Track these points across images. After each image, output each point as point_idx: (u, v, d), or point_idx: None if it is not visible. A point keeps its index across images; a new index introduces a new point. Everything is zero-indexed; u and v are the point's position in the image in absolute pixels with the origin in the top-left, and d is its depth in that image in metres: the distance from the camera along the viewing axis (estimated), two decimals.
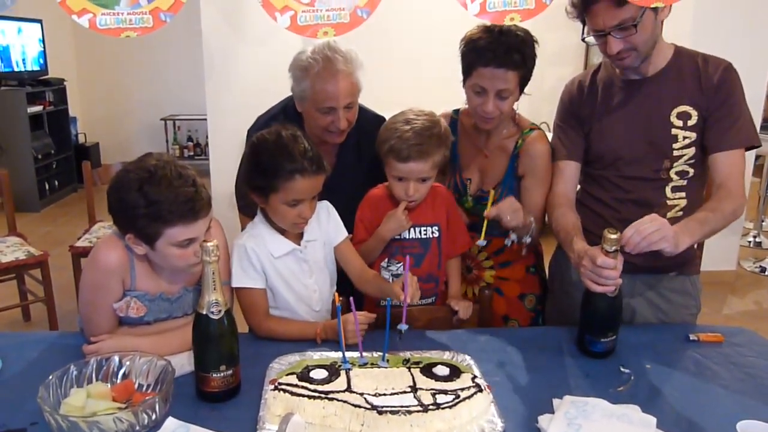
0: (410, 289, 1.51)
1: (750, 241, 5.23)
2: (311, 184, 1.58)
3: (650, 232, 1.42)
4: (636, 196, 1.72)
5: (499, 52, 1.69)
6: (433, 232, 1.85)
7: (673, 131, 1.67)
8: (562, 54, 6.56)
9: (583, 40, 1.67)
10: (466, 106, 1.88)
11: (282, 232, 1.68)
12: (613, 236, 1.43)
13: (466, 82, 1.80)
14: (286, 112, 1.99)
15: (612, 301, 1.52)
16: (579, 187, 1.88)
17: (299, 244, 1.70)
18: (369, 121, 1.99)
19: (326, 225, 1.76)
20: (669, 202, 1.71)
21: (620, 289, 1.51)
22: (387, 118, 2.02)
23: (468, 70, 1.78)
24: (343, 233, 1.79)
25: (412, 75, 5.86)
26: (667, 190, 1.71)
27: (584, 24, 1.64)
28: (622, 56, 1.62)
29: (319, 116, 1.86)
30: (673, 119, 1.66)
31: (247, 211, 1.97)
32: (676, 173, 1.70)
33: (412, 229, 1.83)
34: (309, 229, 1.71)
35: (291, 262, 1.69)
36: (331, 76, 1.80)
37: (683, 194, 1.71)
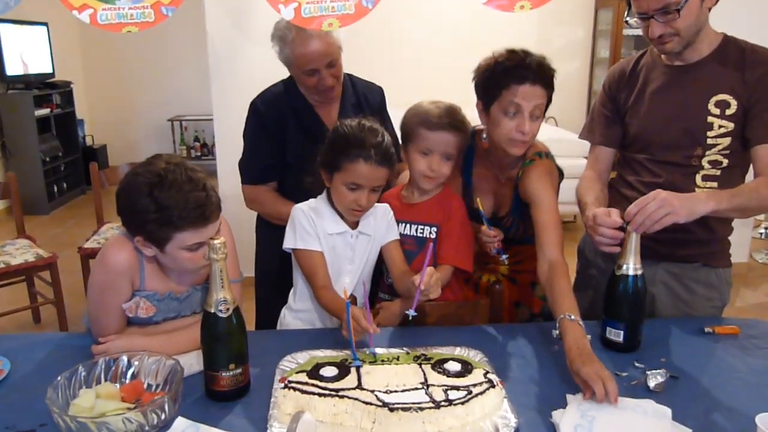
0: (426, 277, 1.49)
1: (762, 233, 5.18)
2: (373, 173, 1.63)
3: (653, 210, 1.42)
4: (664, 181, 1.71)
5: (533, 69, 1.65)
6: (430, 233, 1.84)
7: (709, 119, 1.65)
8: (568, 49, 6.52)
9: (626, 21, 1.69)
10: (481, 126, 1.84)
11: (341, 215, 1.73)
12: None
13: (492, 107, 1.71)
14: (285, 81, 2.12)
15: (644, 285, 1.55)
16: (616, 173, 1.89)
17: (353, 230, 1.74)
18: (367, 86, 2.20)
19: (380, 224, 1.79)
20: (698, 191, 1.68)
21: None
22: (390, 109, 2.11)
23: (496, 92, 1.68)
24: (394, 234, 1.82)
25: (418, 67, 5.85)
26: (698, 178, 1.69)
27: (629, 6, 1.64)
28: (664, 41, 1.61)
29: (305, 78, 1.98)
30: (711, 107, 1.64)
31: (251, 180, 2.13)
32: (709, 162, 1.67)
33: (409, 226, 1.84)
34: (365, 222, 1.76)
35: (339, 243, 1.74)
36: (305, 41, 1.90)
37: (715, 184, 1.68)
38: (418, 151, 1.78)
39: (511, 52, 1.69)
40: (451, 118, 1.75)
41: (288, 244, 1.72)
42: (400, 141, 1.86)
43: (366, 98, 2.15)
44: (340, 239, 1.74)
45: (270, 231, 2.04)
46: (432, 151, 1.75)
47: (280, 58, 2.01)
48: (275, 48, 2.00)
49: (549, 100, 1.71)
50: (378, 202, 1.76)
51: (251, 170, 2.13)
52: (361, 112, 1.98)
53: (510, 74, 1.66)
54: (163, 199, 1.34)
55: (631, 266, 1.51)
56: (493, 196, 1.91)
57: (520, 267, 1.97)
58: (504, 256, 1.83)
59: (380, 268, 1.88)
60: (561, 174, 1.84)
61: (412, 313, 1.50)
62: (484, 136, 1.80)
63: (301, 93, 2.07)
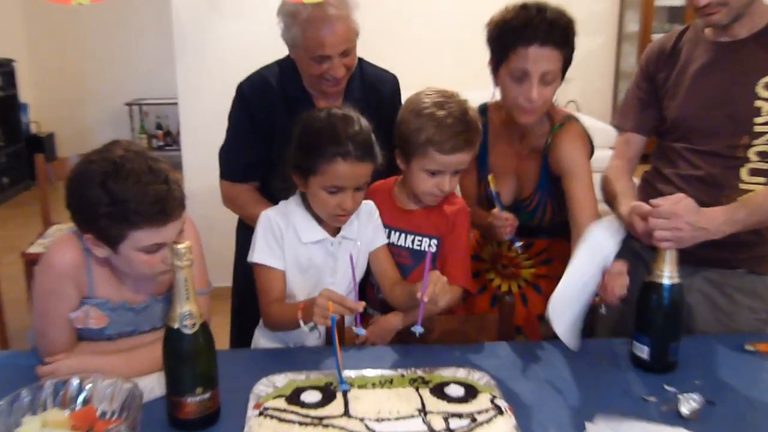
0: (430, 287, 1.49)
1: None
2: (354, 171, 1.61)
3: (663, 227, 1.48)
4: (704, 173, 1.73)
5: (542, 29, 1.67)
6: (429, 245, 1.84)
7: (757, 103, 1.66)
8: (591, 22, 6.51)
9: None
10: (494, 100, 1.88)
11: (318, 220, 1.71)
12: None
13: (500, 69, 1.76)
14: (281, 63, 2.06)
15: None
16: (651, 165, 1.92)
17: (334, 237, 1.72)
18: (377, 76, 2.09)
19: (366, 226, 1.78)
20: (742, 186, 1.70)
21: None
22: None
23: (503, 53, 1.74)
24: (382, 239, 1.81)
25: (427, 48, 5.85)
26: (743, 171, 1.70)
27: None
28: (710, 11, 1.63)
29: (312, 64, 1.91)
30: (759, 90, 1.66)
31: (230, 177, 2.10)
32: (757, 153, 1.68)
33: (403, 236, 1.84)
34: (347, 225, 1.73)
35: (318, 253, 1.72)
36: (321, 22, 1.83)
37: (763, 180, 1.69)
38: (424, 170, 1.75)
39: (522, 8, 1.71)
40: (467, 132, 1.72)
41: (254, 256, 1.70)
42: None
43: (374, 89, 2.08)
44: (318, 248, 1.72)
45: (252, 235, 2.02)
46: (444, 171, 1.74)
47: (285, 36, 1.95)
48: (280, 24, 1.94)
49: (567, 62, 1.74)
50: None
51: (232, 165, 2.10)
52: (367, 108, 1.95)
53: (517, 35, 1.69)
54: (118, 191, 1.34)
55: (666, 274, 1.52)
56: (515, 176, 1.93)
57: (546, 270, 1.96)
58: (518, 244, 1.85)
59: (368, 279, 1.87)
60: (592, 145, 1.87)
61: (419, 329, 1.50)
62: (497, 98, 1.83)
63: (299, 80, 2.02)
